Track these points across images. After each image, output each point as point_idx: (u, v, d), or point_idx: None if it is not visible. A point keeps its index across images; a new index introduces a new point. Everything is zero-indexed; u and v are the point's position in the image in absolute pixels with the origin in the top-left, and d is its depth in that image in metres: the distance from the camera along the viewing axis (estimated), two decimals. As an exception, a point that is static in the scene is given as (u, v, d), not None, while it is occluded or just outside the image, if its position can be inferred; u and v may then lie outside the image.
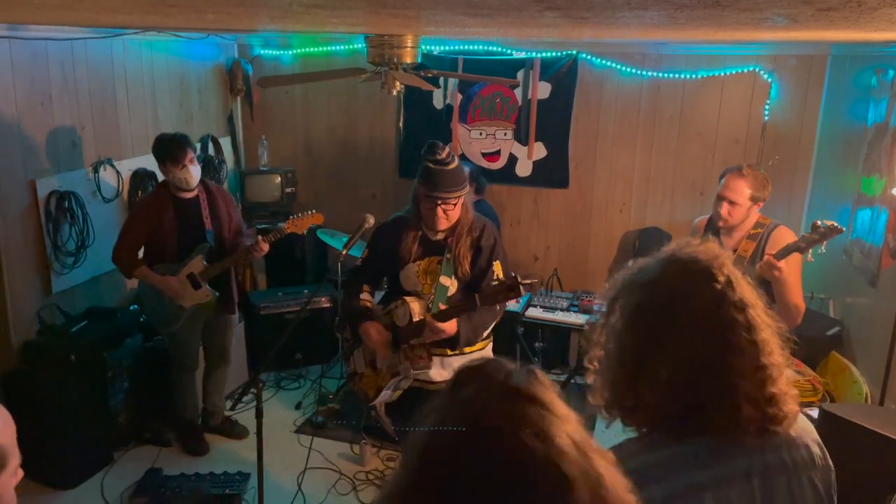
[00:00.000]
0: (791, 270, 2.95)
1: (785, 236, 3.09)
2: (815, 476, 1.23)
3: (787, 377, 1.21)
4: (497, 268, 3.07)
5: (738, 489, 1.17)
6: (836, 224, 2.72)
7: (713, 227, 3.32)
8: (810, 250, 2.82)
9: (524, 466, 0.79)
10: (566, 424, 0.84)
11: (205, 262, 3.83)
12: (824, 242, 2.78)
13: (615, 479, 0.84)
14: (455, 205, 3.00)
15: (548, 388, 0.88)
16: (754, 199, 3.13)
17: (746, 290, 1.22)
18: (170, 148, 3.71)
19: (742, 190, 3.12)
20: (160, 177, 4.70)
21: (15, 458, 1.30)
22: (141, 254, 3.89)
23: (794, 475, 1.21)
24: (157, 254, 3.81)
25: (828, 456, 1.27)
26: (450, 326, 2.95)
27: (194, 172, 3.76)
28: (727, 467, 1.18)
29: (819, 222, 2.78)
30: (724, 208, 3.17)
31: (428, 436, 0.85)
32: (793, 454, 1.22)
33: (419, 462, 0.84)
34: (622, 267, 1.32)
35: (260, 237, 3.81)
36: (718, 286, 1.19)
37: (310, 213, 3.92)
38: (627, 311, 1.24)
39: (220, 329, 4.12)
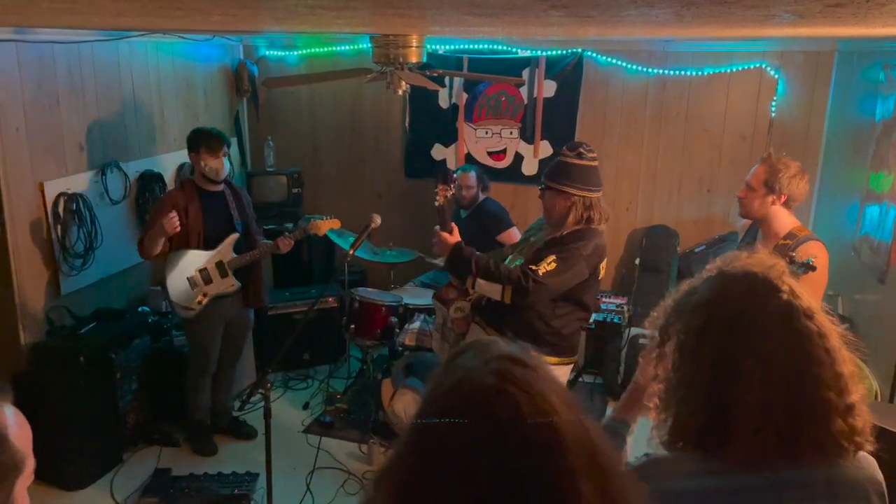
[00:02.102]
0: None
1: (811, 251, 2.74)
2: (872, 490, 1.19)
3: (859, 387, 1.16)
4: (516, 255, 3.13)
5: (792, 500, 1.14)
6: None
7: (753, 232, 3.13)
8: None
9: (517, 420, 0.82)
10: (556, 386, 0.88)
11: (234, 253, 3.91)
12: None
13: (602, 437, 0.88)
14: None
15: (539, 359, 0.92)
16: (769, 187, 2.89)
17: (808, 297, 1.17)
18: (209, 137, 3.83)
19: (757, 174, 2.93)
20: (167, 179, 4.76)
21: (30, 462, 1.32)
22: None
23: (860, 488, 1.17)
24: (181, 244, 3.84)
25: (882, 480, 1.22)
26: (450, 237, 3.06)
27: (226, 165, 3.88)
28: (777, 477, 1.13)
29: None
30: (741, 193, 2.99)
31: (426, 396, 0.90)
32: (856, 468, 1.17)
33: (416, 421, 0.88)
34: (670, 293, 1.27)
35: (285, 234, 3.96)
36: (784, 296, 1.14)
37: (329, 217, 4.06)
38: (689, 336, 1.18)
39: (240, 331, 4.16)
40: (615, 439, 1.46)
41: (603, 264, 3.05)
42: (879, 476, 1.21)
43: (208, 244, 3.87)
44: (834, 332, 1.16)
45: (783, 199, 2.89)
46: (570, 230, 2.93)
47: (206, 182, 3.86)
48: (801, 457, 1.12)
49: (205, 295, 3.86)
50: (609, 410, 4.58)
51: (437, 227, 3.09)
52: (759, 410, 1.10)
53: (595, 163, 2.97)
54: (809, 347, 1.12)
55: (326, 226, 4.05)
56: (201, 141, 3.81)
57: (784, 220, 2.92)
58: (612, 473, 0.86)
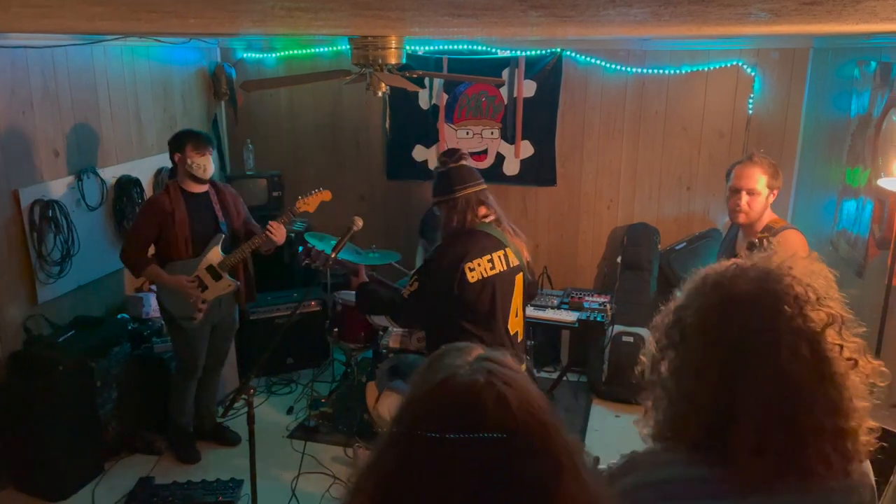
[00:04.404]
0: None
1: (790, 240, 2.80)
2: None
3: (862, 407, 1.14)
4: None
5: None
6: (755, 241, 2.49)
7: (734, 230, 3.16)
8: None
9: (506, 414, 0.82)
10: (534, 387, 0.90)
11: (222, 253, 3.86)
12: None
13: (577, 440, 0.90)
14: None
15: (514, 361, 0.94)
16: (771, 187, 2.93)
17: (817, 291, 1.14)
18: (195, 136, 3.80)
19: (757, 176, 2.92)
20: (145, 184, 4.70)
21: None
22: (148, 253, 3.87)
23: None
24: (170, 251, 3.79)
25: (875, 497, 1.22)
26: (354, 279, 3.30)
27: (212, 164, 3.85)
28: (768, 499, 1.12)
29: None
30: (743, 199, 2.94)
31: (409, 395, 0.90)
32: (838, 483, 1.15)
33: (400, 419, 0.88)
34: (670, 299, 1.25)
35: (271, 223, 3.84)
36: (792, 319, 1.11)
37: (317, 190, 3.97)
38: (690, 348, 1.16)
39: (226, 333, 4.13)
40: None
41: (476, 265, 2.85)
42: (870, 472, 1.21)
43: (196, 248, 3.83)
44: (837, 358, 1.12)
45: (776, 194, 2.97)
46: (438, 244, 2.99)
47: (192, 183, 3.81)
48: (794, 477, 1.11)
49: (204, 302, 3.82)
50: (594, 408, 4.62)
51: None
52: (759, 433, 1.09)
53: (459, 163, 2.95)
54: (808, 373, 1.10)
55: (317, 199, 3.94)
56: (187, 139, 3.76)
57: (768, 212, 3.01)
58: (589, 474, 0.88)
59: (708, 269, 1.23)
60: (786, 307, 1.12)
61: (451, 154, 2.98)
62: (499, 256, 2.91)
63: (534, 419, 0.83)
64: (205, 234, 3.85)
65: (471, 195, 2.92)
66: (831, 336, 1.13)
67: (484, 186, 2.99)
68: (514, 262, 2.97)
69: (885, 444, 1.18)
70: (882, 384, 1.17)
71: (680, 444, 1.18)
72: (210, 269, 3.83)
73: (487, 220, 2.96)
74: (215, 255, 3.85)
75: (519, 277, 3.01)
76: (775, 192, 2.98)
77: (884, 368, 1.18)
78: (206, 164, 3.79)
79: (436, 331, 3.02)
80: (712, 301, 1.16)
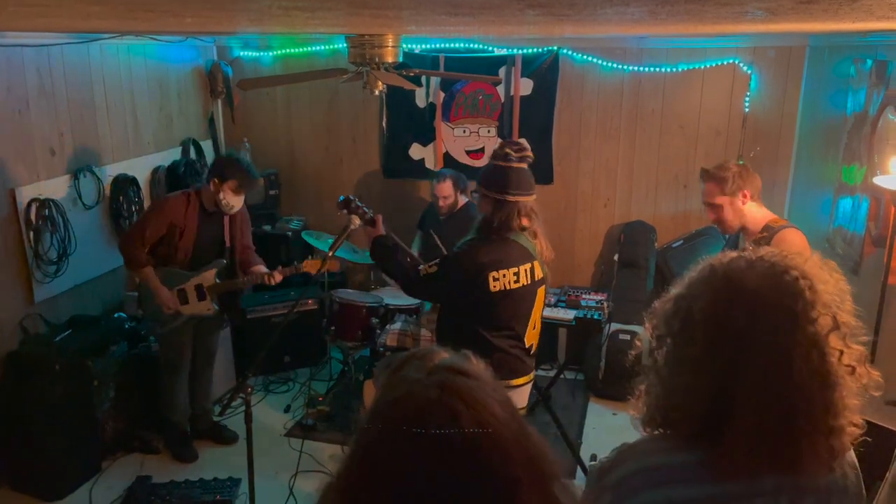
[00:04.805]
0: None
1: (789, 238, 2.81)
2: (845, 502, 1.19)
3: (853, 405, 1.15)
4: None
5: None
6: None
7: (735, 235, 3.15)
8: None
9: (456, 434, 0.82)
10: (498, 395, 0.89)
11: (217, 279, 3.84)
12: None
13: (544, 444, 0.90)
14: None
15: (480, 367, 0.93)
16: (730, 193, 2.92)
17: (826, 294, 1.14)
18: (243, 174, 3.71)
19: (710, 191, 2.94)
20: (142, 182, 4.70)
21: None
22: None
23: (825, 499, 1.17)
24: (167, 256, 3.77)
25: (862, 484, 1.23)
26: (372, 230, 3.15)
27: (241, 204, 3.82)
28: (756, 483, 1.13)
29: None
30: (711, 215, 3.00)
31: (372, 406, 0.90)
32: (826, 477, 1.17)
33: (361, 431, 0.88)
34: (671, 287, 1.24)
35: (279, 268, 3.86)
36: (802, 305, 1.11)
37: (326, 258, 3.74)
38: (692, 339, 1.16)
39: (210, 330, 4.11)
40: None
41: (501, 275, 2.77)
42: (855, 489, 1.21)
43: (194, 263, 3.81)
44: (836, 362, 1.13)
45: (749, 195, 2.92)
46: (471, 237, 2.88)
47: (215, 205, 3.78)
48: (781, 470, 1.12)
49: (179, 314, 3.81)
50: (591, 406, 4.63)
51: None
52: (756, 428, 1.10)
53: (522, 164, 2.79)
54: (809, 373, 1.10)
55: (323, 266, 3.78)
56: (234, 175, 3.67)
57: (757, 215, 2.96)
58: (554, 480, 0.87)
59: (714, 260, 1.21)
60: (794, 306, 1.11)
61: (517, 148, 2.80)
62: (525, 270, 2.83)
63: (486, 437, 0.83)
64: (207, 253, 3.84)
65: (522, 204, 2.80)
66: (833, 341, 1.13)
67: (534, 196, 2.86)
68: (539, 274, 2.91)
69: (868, 438, 1.19)
70: (876, 394, 1.18)
71: (674, 433, 1.18)
72: (199, 287, 3.81)
73: (525, 230, 2.87)
74: (210, 277, 3.83)
75: (541, 290, 2.96)
76: (741, 194, 2.91)
77: (879, 379, 1.18)
78: (237, 204, 3.76)
79: (451, 329, 2.95)
80: (720, 294, 1.15)
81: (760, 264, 1.16)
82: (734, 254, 1.21)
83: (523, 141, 2.91)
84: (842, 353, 1.14)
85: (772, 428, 1.10)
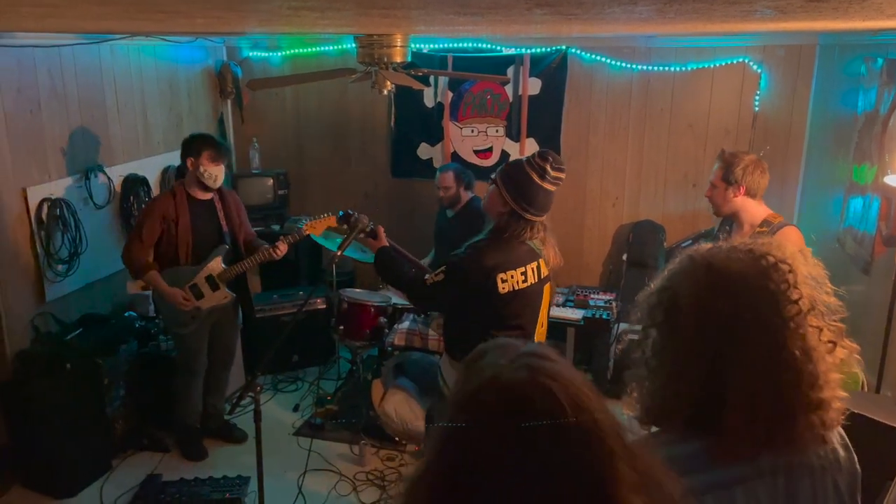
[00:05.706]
0: None
1: (793, 237, 2.90)
2: (840, 479, 1.21)
3: (834, 379, 1.18)
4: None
5: (764, 487, 1.16)
6: None
7: (728, 223, 3.23)
8: None
9: (556, 409, 0.82)
10: (580, 376, 0.90)
11: (223, 265, 3.85)
12: None
13: (621, 421, 0.91)
14: None
15: (557, 352, 0.94)
16: (727, 181, 3.02)
17: (804, 275, 1.18)
18: (214, 144, 3.75)
19: (716, 171, 3.09)
20: (152, 182, 4.72)
21: None
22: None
23: (819, 477, 1.19)
24: (170, 256, 3.79)
25: (855, 460, 1.25)
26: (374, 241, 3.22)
27: (223, 175, 3.81)
28: (755, 465, 1.15)
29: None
30: (707, 190, 3.17)
31: (452, 399, 0.90)
32: (819, 455, 1.19)
33: (447, 424, 0.87)
34: (655, 278, 1.27)
35: (281, 238, 3.85)
36: (782, 286, 1.14)
37: (325, 215, 3.92)
38: (680, 327, 1.17)
39: (227, 330, 4.12)
40: None
41: (509, 276, 2.76)
42: (848, 465, 1.24)
43: (196, 256, 3.82)
44: (818, 338, 1.16)
45: (742, 191, 3.03)
46: (477, 240, 2.85)
47: (198, 189, 3.79)
48: (779, 447, 1.15)
49: (199, 310, 3.83)
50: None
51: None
52: (751, 407, 1.12)
53: (553, 187, 2.78)
54: (795, 349, 1.13)
55: (323, 224, 3.87)
56: (204, 146, 3.71)
57: (754, 210, 3.06)
58: (639, 454, 0.88)
59: (691, 251, 1.24)
60: (775, 287, 1.15)
61: (556, 168, 2.75)
62: (532, 268, 2.83)
63: (582, 408, 0.84)
64: (207, 242, 3.84)
65: (538, 224, 2.81)
66: (813, 319, 1.17)
67: (547, 216, 2.87)
68: (545, 272, 2.92)
69: (879, 439, 1.21)
70: (855, 370, 1.22)
71: (672, 424, 1.20)
72: (209, 278, 3.82)
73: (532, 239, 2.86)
74: (216, 265, 3.84)
75: (547, 287, 2.95)
76: (734, 189, 3.02)
77: (857, 347, 1.22)
78: (219, 174, 3.76)
79: (460, 331, 2.96)
80: (703, 281, 1.18)
81: (738, 251, 1.20)
82: (709, 244, 1.24)
83: (564, 164, 2.85)
84: (821, 329, 1.17)
85: (765, 406, 1.12)
